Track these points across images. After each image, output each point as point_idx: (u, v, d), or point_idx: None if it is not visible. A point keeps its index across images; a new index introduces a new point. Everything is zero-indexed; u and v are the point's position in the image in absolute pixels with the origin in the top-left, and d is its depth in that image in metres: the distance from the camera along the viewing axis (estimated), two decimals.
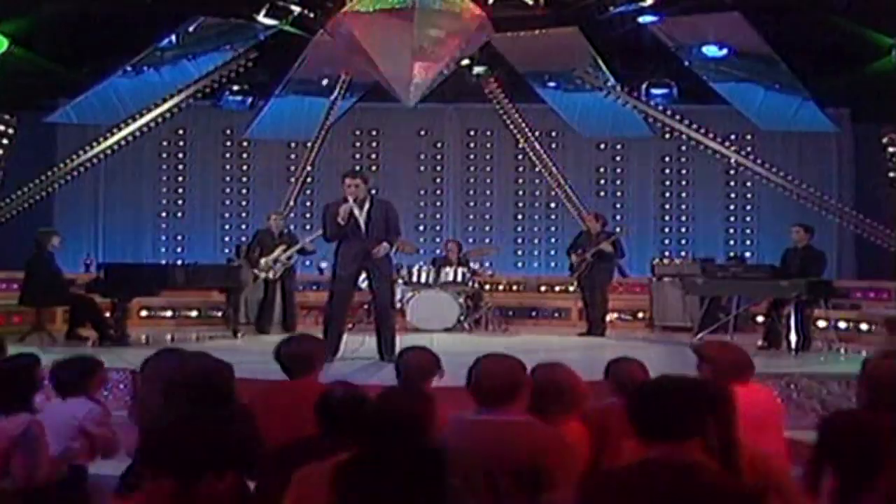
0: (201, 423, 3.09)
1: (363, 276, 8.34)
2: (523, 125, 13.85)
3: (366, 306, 10.53)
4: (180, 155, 14.24)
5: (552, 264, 14.04)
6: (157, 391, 3.64)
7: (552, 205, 14.18)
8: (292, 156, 14.14)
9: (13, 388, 3.73)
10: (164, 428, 3.20)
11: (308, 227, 13.41)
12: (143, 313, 11.49)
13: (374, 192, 8.85)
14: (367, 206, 7.99)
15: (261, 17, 11.30)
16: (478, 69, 13.00)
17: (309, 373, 4.33)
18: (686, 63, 12.48)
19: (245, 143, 14.28)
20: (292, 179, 13.86)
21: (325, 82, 13.41)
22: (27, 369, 3.89)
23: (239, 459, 3.12)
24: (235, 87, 13.15)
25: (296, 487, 2.89)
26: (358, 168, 12.82)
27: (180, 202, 14.23)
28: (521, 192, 14.45)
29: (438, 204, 14.40)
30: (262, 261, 10.64)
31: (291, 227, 12.29)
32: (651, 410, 2.50)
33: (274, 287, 10.73)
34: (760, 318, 10.46)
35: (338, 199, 8.10)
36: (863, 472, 2.99)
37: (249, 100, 13.36)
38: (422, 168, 14.43)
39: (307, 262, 11.95)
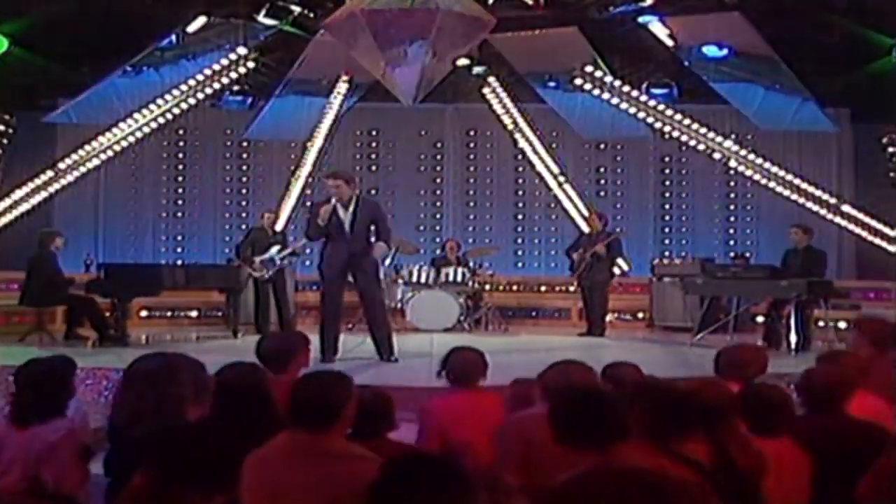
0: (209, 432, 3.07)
1: (350, 276, 8.32)
2: (523, 125, 13.83)
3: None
4: (180, 155, 14.23)
5: (552, 264, 14.03)
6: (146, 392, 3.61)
7: (552, 205, 14.16)
8: (292, 156, 14.12)
9: (49, 393, 3.66)
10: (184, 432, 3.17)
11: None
12: (143, 313, 11.50)
13: (360, 192, 8.74)
14: (352, 206, 7.94)
15: (261, 17, 11.31)
16: (478, 69, 12.99)
17: (284, 370, 4.29)
18: (686, 63, 12.49)
19: (245, 143, 14.27)
20: (292, 179, 13.83)
21: (325, 82, 13.42)
22: (62, 374, 3.84)
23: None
24: (235, 87, 13.15)
25: (251, 473, 2.87)
26: (359, 167, 12.87)
27: (180, 202, 14.22)
28: (521, 192, 14.45)
29: (438, 204, 14.39)
30: (256, 260, 10.59)
31: (292, 227, 12.29)
32: (577, 419, 2.54)
33: (266, 287, 10.66)
34: (760, 318, 10.46)
35: (322, 200, 8.11)
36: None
37: (249, 100, 13.37)
38: (422, 168, 14.42)
39: (307, 263, 11.94)
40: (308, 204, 8.43)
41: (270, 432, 3.07)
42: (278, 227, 11.85)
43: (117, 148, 13.12)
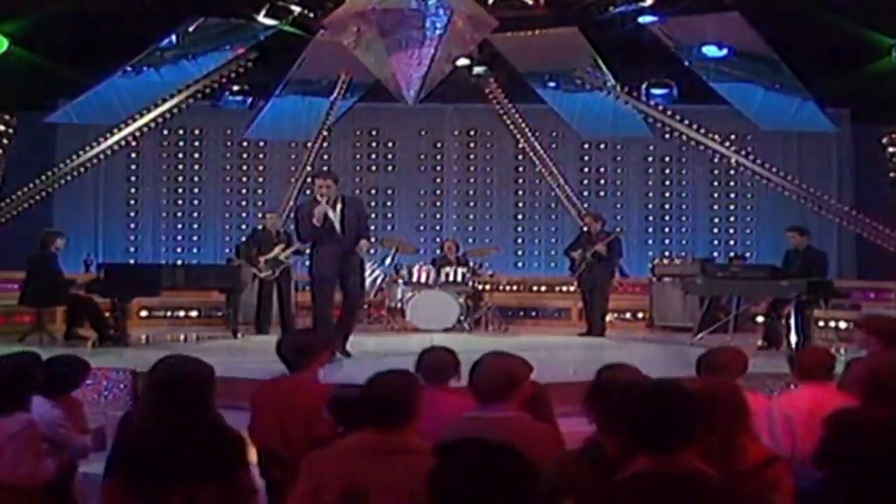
0: (180, 432, 3.11)
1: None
2: (523, 125, 13.84)
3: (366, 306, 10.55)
4: (180, 155, 14.22)
5: (552, 264, 14.02)
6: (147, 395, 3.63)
7: (552, 205, 14.17)
8: (292, 156, 14.13)
9: (11, 387, 3.71)
10: (141, 435, 3.19)
11: None
12: (143, 313, 11.48)
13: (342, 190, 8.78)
14: (339, 206, 8.02)
15: (261, 17, 11.32)
16: (478, 69, 12.99)
17: (307, 367, 4.33)
18: (686, 63, 12.49)
19: (245, 143, 14.27)
20: (292, 179, 13.84)
21: (325, 82, 13.42)
22: (26, 369, 3.87)
23: (221, 469, 3.13)
24: (235, 87, 13.15)
25: (308, 471, 2.95)
26: (359, 167, 12.86)
27: (180, 202, 14.22)
28: (521, 192, 14.45)
29: (438, 204, 14.39)
30: (262, 259, 10.60)
31: (291, 226, 12.28)
32: (650, 421, 2.33)
33: (270, 287, 10.69)
34: (760, 318, 10.46)
35: (309, 200, 8.17)
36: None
37: (249, 100, 13.37)
38: (422, 168, 14.43)
39: (306, 262, 11.93)
40: (298, 206, 8.48)
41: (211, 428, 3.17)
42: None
43: (117, 148, 13.14)
